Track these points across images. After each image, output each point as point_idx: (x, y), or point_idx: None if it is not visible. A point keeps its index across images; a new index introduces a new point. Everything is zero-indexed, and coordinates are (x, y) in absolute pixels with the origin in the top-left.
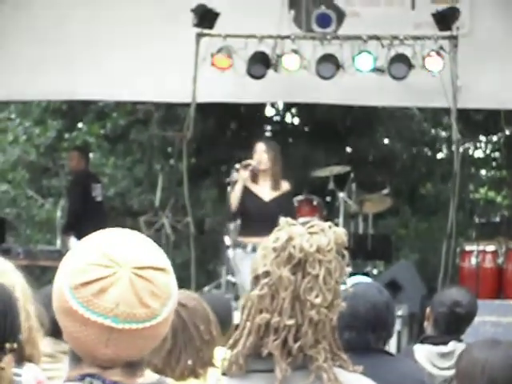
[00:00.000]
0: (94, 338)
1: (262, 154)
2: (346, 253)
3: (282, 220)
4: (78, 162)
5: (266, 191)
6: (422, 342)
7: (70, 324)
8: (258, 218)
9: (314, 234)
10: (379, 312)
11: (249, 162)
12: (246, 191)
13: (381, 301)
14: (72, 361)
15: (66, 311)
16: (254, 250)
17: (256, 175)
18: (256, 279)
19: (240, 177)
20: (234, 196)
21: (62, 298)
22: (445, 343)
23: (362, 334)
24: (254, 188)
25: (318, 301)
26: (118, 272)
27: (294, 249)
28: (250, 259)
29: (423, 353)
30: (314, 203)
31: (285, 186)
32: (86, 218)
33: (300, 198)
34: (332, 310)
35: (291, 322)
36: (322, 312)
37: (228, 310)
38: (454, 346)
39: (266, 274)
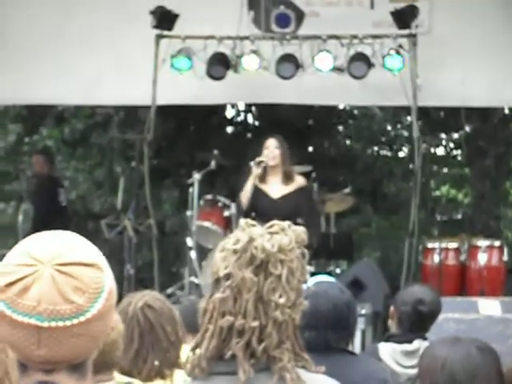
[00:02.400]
0: (25, 340)
1: (274, 149)
2: (306, 251)
3: (241, 221)
4: (43, 166)
5: (275, 188)
6: (386, 340)
7: (1, 328)
8: (267, 217)
9: (274, 234)
10: (340, 312)
11: (262, 158)
12: (255, 189)
13: (342, 300)
14: (19, 367)
15: None
16: None
17: (265, 173)
18: (217, 282)
19: (252, 174)
20: (245, 194)
21: None
22: (409, 341)
23: (322, 334)
24: (263, 186)
25: (281, 301)
26: (39, 270)
27: (255, 250)
28: None
29: (387, 351)
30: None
31: (300, 181)
32: (51, 223)
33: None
34: (295, 310)
35: (255, 323)
36: (285, 312)
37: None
38: (418, 344)
39: (228, 276)
